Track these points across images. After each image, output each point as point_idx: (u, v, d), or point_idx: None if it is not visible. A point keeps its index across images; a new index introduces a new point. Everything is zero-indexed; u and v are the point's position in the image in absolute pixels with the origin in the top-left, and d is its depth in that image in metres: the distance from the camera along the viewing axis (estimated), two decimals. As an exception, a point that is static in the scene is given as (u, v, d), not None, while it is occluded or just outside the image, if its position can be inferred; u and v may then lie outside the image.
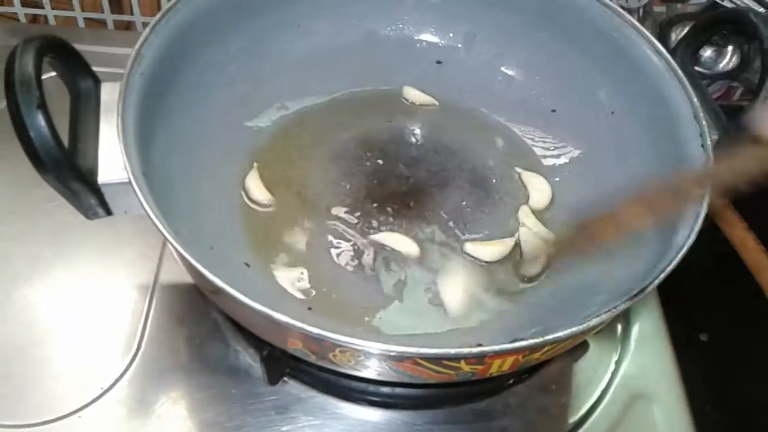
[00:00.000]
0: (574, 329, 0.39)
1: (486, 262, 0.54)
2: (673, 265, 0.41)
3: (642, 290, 0.40)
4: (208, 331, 0.56)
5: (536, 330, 0.44)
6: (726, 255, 0.65)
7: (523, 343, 0.38)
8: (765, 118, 0.39)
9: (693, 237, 0.43)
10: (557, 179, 0.60)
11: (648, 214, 0.45)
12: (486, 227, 0.57)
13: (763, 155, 0.41)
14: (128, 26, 0.85)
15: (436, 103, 0.65)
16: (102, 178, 0.45)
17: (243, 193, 0.56)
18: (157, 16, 0.51)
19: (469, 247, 0.55)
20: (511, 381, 0.54)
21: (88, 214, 0.46)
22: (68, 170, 0.43)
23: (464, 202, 0.58)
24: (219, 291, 0.39)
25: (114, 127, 0.44)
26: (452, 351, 0.38)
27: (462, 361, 0.40)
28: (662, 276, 0.41)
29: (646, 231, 0.48)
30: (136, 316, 0.56)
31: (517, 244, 0.55)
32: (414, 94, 0.65)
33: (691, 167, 0.49)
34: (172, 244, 0.40)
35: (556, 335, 0.38)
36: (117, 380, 0.53)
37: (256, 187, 0.56)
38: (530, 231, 0.56)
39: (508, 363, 0.41)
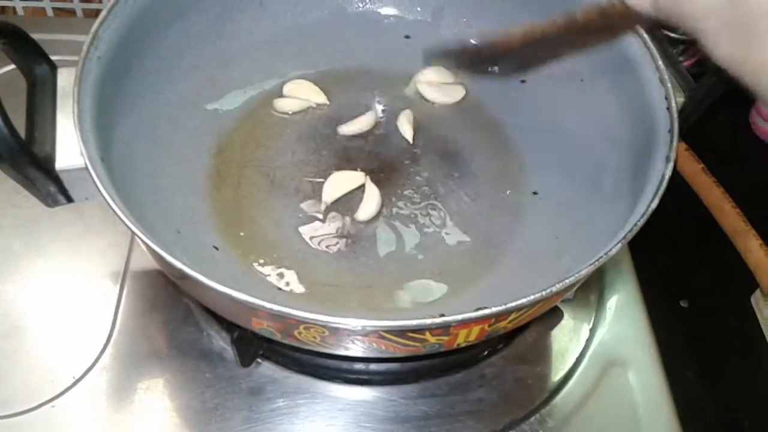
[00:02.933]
0: (536, 296, 0.38)
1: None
2: (635, 230, 0.41)
3: (603, 255, 0.40)
4: (181, 316, 0.55)
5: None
6: (704, 220, 0.65)
7: (486, 311, 0.38)
8: None
9: (656, 201, 0.43)
10: (528, 150, 0.59)
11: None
12: (457, 199, 0.57)
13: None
14: (97, 14, 0.84)
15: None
16: (59, 164, 0.44)
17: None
18: (114, -1, 0.50)
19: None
20: (486, 352, 0.54)
21: (48, 201, 0.46)
22: (24, 158, 0.42)
23: (436, 176, 0.58)
24: (181, 275, 0.39)
25: (71, 113, 0.44)
26: (414, 322, 0.38)
27: (427, 333, 0.39)
28: (623, 241, 0.40)
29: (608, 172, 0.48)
30: (107, 304, 0.56)
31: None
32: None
33: (660, 132, 0.49)
34: (130, 227, 0.40)
35: (519, 302, 0.38)
36: (90, 368, 0.53)
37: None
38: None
39: (474, 333, 0.41)
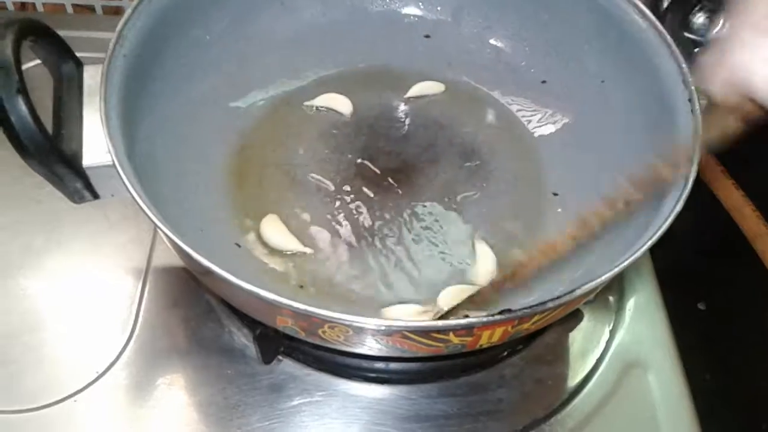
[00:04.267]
0: (561, 299, 0.38)
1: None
2: (658, 234, 0.41)
3: (628, 258, 0.40)
4: (202, 312, 0.56)
5: (527, 300, 0.44)
6: (724, 223, 0.65)
7: (511, 314, 0.38)
8: (707, 70, 0.37)
9: (680, 205, 0.42)
10: (548, 151, 0.60)
11: (636, 195, 0.44)
12: (477, 202, 0.57)
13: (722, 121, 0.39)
14: (117, 11, 0.84)
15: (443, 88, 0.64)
16: (86, 161, 0.45)
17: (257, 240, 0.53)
18: (138, -3, 0.51)
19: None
20: (506, 353, 0.55)
21: (75, 198, 0.46)
22: (51, 154, 0.43)
23: (456, 177, 0.58)
24: (207, 272, 0.39)
25: (97, 110, 0.44)
26: (440, 323, 0.38)
27: (451, 333, 0.40)
28: (648, 245, 0.40)
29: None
30: (129, 299, 0.56)
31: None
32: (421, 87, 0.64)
33: (681, 133, 0.48)
34: (158, 226, 0.40)
35: (543, 305, 0.38)
36: (112, 363, 0.53)
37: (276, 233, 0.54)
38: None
39: (498, 334, 0.41)
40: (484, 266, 0.53)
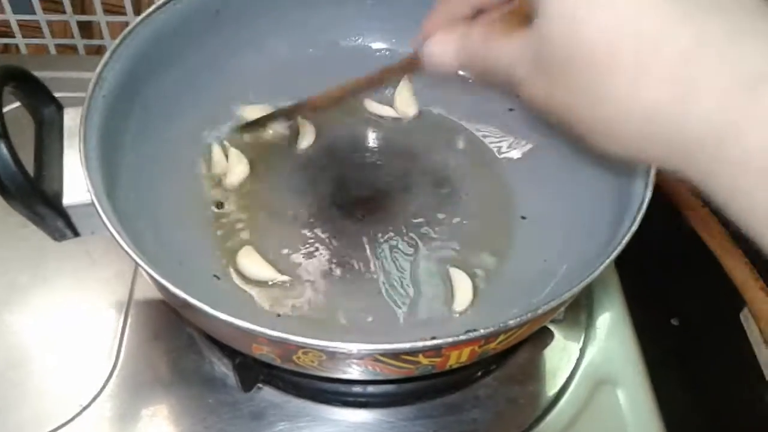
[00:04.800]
0: (523, 318, 0.40)
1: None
2: (614, 255, 0.43)
3: (586, 279, 0.42)
4: (183, 344, 0.57)
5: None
6: (693, 240, 0.67)
7: (476, 333, 0.40)
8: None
9: (635, 226, 0.45)
10: (516, 177, 0.62)
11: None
12: (448, 227, 0.59)
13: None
14: (99, 50, 0.86)
15: (395, 114, 0.67)
16: (67, 200, 0.46)
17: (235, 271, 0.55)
18: (117, 40, 0.53)
19: None
20: (479, 373, 0.56)
21: (56, 235, 0.48)
22: (33, 195, 0.44)
23: (428, 203, 0.60)
24: (184, 303, 0.41)
25: (77, 151, 0.46)
26: (407, 345, 0.39)
27: (420, 355, 0.41)
28: (604, 265, 0.42)
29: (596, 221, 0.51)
30: (112, 333, 0.57)
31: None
32: (374, 107, 0.67)
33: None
34: (134, 259, 0.42)
35: (507, 324, 0.40)
36: (96, 396, 0.54)
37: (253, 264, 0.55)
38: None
39: (466, 354, 0.43)
40: (462, 293, 0.54)
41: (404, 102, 0.66)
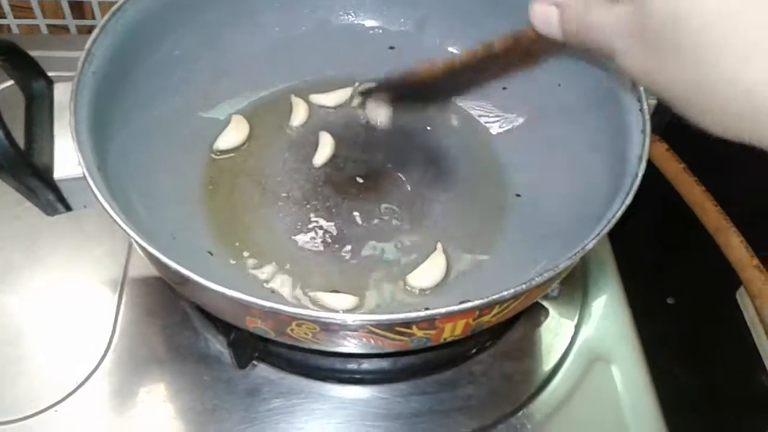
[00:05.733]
0: (517, 288, 0.40)
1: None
2: (608, 227, 0.43)
3: (579, 250, 0.42)
4: (178, 321, 0.57)
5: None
6: (689, 218, 0.67)
7: (470, 304, 0.40)
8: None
9: (629, 199, 0.44)
10: (510, 154, 0.62)
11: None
12: (442, 204, 0.59)
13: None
14: (90, 30, 0.86)
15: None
16: (57, 174, 0.46)
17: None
18: (106, 16, 0.52)
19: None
20: (474, 350, 0.56)
21: (48, 210, 0.48)
22: (23, 168, 0.44)
23: (422, 181, 0.60)
24: (179, 276, 0.41)
25: (68, 125, 0.46)
26: (401, 315, 0.39)
27: (414, 326, 0.41)
28: (598, 237, 0.42)
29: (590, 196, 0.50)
30: (107, 310, 0.57)
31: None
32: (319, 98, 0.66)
33: (634, 132, 0.50)
34: (126, 231, 0.42)
35: (501, 295, 0.40)
36: (91, 374, 0.54)
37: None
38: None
39: (460, 327, 0.43)
40: (432, 272, 0.54)
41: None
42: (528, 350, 0.57)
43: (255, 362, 0.55)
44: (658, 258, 0.78)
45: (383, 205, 0.58)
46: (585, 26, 0.35)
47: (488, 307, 0.41)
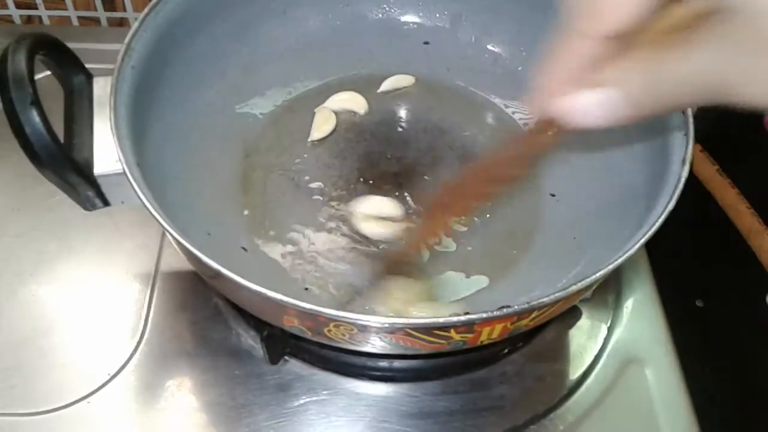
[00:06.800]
0: (557, 295, 0.40)
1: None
2: (651, 232, 0.42)
3: (621, 256, 0.41)
4: (210, 315, 0.57)
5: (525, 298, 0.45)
6: (720, 221, 0.66)
7: (510, 309, 0.39)
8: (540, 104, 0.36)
9: (672, 203, 0.44)
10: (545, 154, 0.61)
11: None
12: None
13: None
14: (121, 23, 0.86)
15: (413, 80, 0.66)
16: (97, 169, 0.46)
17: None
18: (146, 9, 0.52)
19: None
20: (506, 350, 0.56)
21: (86, 205, 0.48)
22: (64, 163, 0.44)
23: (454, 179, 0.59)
24: (216, 274, 0.41)
25: (107, 120, 0.46)
26: (441, 320, 0.39)
27: (452, 330, 0.41)
28: (640, 242, 0.42)
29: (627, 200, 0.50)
30: (139, 304, 0.57)
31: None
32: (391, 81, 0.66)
33: (675, 134, 0.50)
34: (167, 230, 0.42)
35: (541, 301, 0.39)
36: (123, 366, 0.54)
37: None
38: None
39: (498, 330, 0.43)
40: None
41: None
42: (561, 351, 0.57)
43: (287, 358, 0.55)
44: (687, 260, 0.78)
45: (416, 203, 0.58)
46: (660, 85, 0.30)
47: (528, 312, 0.41)
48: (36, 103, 0.42)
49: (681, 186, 0.45)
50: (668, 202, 0.44)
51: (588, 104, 0.32)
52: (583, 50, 0.32)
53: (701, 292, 0.74)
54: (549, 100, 0.34)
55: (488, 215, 0.57)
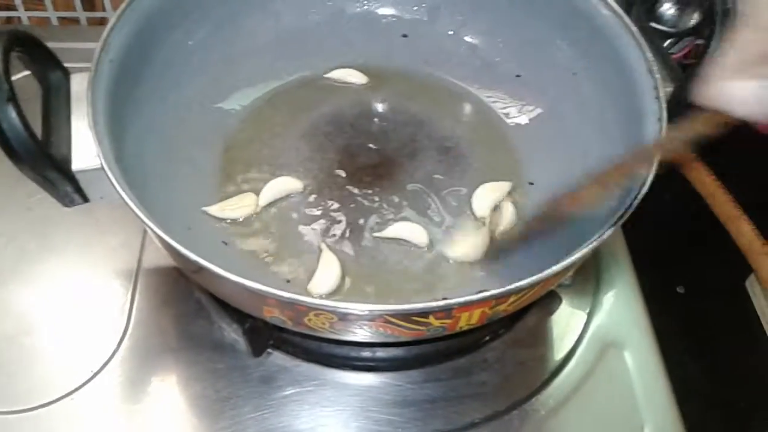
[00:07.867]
0: (533, 278, 0.40)
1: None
2: (624, 217, 0.43)
3: (594, 240, 0.42)
4: (193, 310, 0.57)
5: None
6: (699, 207, 0.67)
7: (487, 294, 0.40)
8: (704, 90, 0.35)
9: (645, 188, 0.44)
10: (524, 143, 0.62)
11: (602, 190, 0.46)
12: (455, 193, 0.59)
13: (704, 122, 0.40)
14: (101, 22, 0.86)
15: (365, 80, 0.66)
16: (76, 165, 0.46)
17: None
18: (123, 4, 0.52)
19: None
20: (488, 337, 0.56)
21: (65, 201, 0.48)
22: (42, 159, 0.44)
23: (434, 169, 0.60)
24: (198, 268, 0.41)
25: (85, 115, 0.46)
26: (419, 305, 0.40)
27: (430, 316, 0.41)
28: (614, 227, 0.43)
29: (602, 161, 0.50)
30: (121, 300, 0.58)
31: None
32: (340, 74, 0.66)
33: (648, 120, 0.50)
34: (146, 224, 0.42)
35: (518, 284, 0.40)
36: (107, 362, 0.54)
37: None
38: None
39: (476, 316, 0.43)
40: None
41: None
42: (541, 337, 0.57)
43: (270, 350, 0.55)
44: (667, 247, 0.78)
45: (397, 194, 0.58)
46: None
47: (505, 296, 0.41)
48: (12, 99, 0.42)
49: (653, 171, 0.46)
50: (641, 187, 0.45)
51: (747, 95, 0.33)
52: (755, 44, 0.33)
53: (681, 278, 0.75)
54: (713, 87, 0.35)
55: (467, 204, 0.58)
